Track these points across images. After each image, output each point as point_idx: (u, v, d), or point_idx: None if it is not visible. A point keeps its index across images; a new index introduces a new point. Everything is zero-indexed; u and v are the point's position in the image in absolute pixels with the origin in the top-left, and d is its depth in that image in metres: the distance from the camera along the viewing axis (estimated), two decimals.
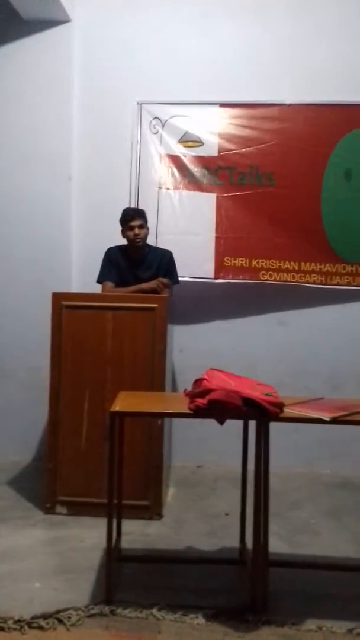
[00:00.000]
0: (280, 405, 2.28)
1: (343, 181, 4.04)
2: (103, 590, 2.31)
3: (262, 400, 2.23)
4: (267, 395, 2.29)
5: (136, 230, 3.51)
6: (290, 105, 4.03)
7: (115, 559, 2.46)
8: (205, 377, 2.44)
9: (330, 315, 4.10)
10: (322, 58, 4.03)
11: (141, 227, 3.53)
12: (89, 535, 2.86)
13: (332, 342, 4.08)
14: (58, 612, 2.19)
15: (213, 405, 2.23)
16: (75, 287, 4.02)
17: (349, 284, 4.04)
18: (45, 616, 2.16)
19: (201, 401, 2.26)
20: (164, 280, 3.46)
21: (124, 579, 2.46)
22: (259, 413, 2.23)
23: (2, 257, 4.13)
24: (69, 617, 2.16)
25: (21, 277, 4.10)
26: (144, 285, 3.47)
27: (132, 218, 3.52)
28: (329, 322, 4.09)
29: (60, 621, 2.15)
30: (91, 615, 2.20)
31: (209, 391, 2.28)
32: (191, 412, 2.27)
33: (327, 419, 2.22)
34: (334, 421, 2.23)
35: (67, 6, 3.90)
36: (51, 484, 3.15)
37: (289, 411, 2.29)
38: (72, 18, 4.01)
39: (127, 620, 2.18)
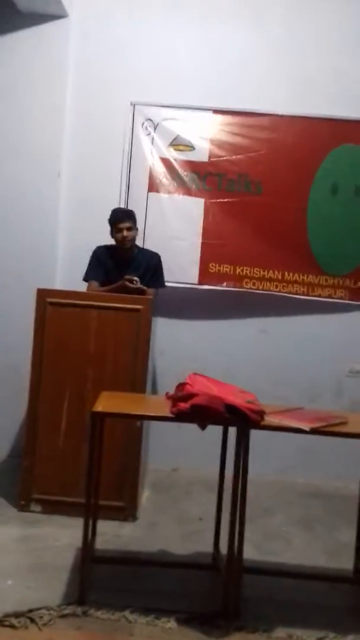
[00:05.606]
0: (262, 414, 2.29)
1: (329, 195, 4.09)
2: (76, 591, 2.30)
3: (245, 407, 2.25)
4: (248, 402, 2.31)
5: (124, 233, 3.50)
6: (282, 116, 4.06)
7: (89, 560, 2.45)
8: (188, 381, 2.45)
9: (311, 326, 4.13)
10: (315, 70, 4.07)
11: (129, 229, 3.53)
12: (62, 535, 2.84)
13: (311, 352, 4.12)
14: (30, 611, 2.17)
15: (195, 410, 2.24)
16: (59, 285, 3.98)
17: (330, 296, 4.09)
18: (17, 614, 2.15)
19: (184, 405, 2.26)
20: (129, 277, 3.40)
21: (97, 580, 2.44)
22: (241, 420, 2.24)
23: None
24: (41, 617, 2.15)
25: (4, 272, 4.04)
26: (113, 286, 3.45)
27: (121, 220, 3.51)
28: (309, 333, 4.13)
29: (32, 620, 2.13)
30: (63, 616, 2.19)
31: (192, 396, 2.29)
32: (173, 416, 2.27)
33: (307, 429, 2.25)
34: (314, 432, 2.26)
35: (65, 1, 3.87)
36: (26, 482, 3.12)
37: (269, 420, 2.31)
38: (69, 13, 3.98)
39: (100, 622, 2.18)
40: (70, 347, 3.16)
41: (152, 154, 4.07)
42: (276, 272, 4.07)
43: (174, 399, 2.36)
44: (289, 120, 4.06)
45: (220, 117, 4.08)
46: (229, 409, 2.24)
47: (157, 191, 4.06)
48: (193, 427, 2.27)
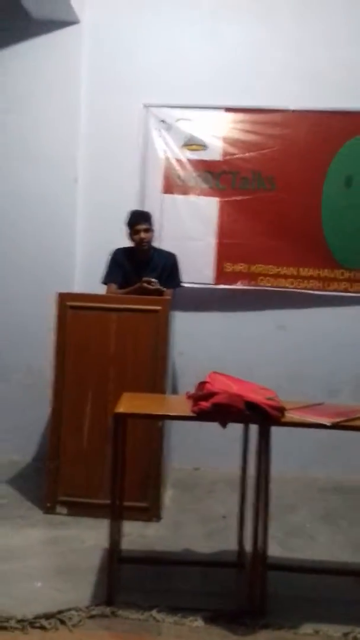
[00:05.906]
0: (282, 410, 2.30)
1: (343, 188, 4.08)
2: (104, 591, 2.32)
3: (265, 404, 2.25)
4: (268, 399, 2.31)
5: (142, 235, 3.54)
6: (293, 111, 4.05)
7: (116, 561, 2.47)
8: (208, 380, 2.46)
9: (328, 321, 4.13)
10: (326, 65, 4.06)
11: (147, 230, 3.56)
12: (88, 536, 2.87)
13: (329, 347, 4.11)
14: (60, 612, 2.20)
15: (216, 409, 2.25)
16: (77, 288, 4.01)
17: (346, 290, 4.08)
18: (47, 616, 2.17)
19: (205, 404, 2.27)
20: (147, 278, 3.44)
21: (124, 580, 2.46)
22: (262, 417, 2.25)
23: (6, 256, 4.13)
24: (71, 618, 2.17)
25: (24, 277, 4.10)
26: (131, 288, 3.49)
27: (138, 222, 3.55)
28: (326, 327, 4.12)
29: (62, 621, 2.16)
30: (92, 616, 2.21)
31: (212, 394, 2.30)
32: (195, 415, 2.29)
33: (328, 424, 2.25)
34: (335, 426, 2.26)
35: (77, 7, 3.91)
36: (52, 484, 3.16)
37: (290, 416, 2.31)
38: (81, 19, 4.02)
39: (128, 622, 2.20)
40: (91, 350, 3.19)
41: (166, 155, 4.09)
42: (291, 268, 4.07)
43: (195, 398, 2.37)
44: (301, 115, 4.06)
45: (232, 115, 4.09)
46: (249, 407, 2.24)
47: (172, 192, 4.08)
48: (214, 426, 2.28)
